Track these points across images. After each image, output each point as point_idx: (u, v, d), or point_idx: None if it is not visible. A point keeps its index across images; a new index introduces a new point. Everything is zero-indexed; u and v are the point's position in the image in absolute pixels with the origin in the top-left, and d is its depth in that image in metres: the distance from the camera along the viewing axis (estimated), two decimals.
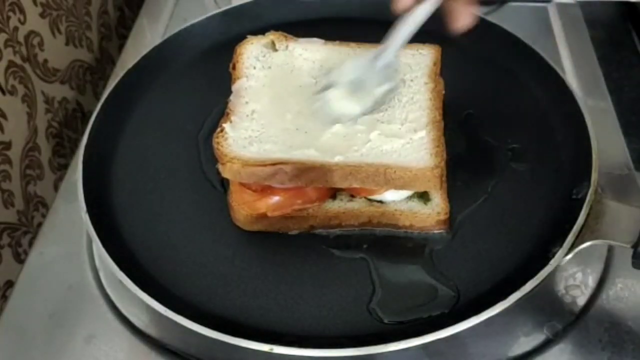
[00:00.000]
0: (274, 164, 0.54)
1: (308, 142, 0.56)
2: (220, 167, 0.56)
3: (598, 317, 0.55)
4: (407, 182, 0.55)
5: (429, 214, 0.57)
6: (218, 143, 0.56)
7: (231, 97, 0.60)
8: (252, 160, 0.54)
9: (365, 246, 0.57)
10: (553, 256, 0.51)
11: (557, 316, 0.55)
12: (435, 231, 0.57)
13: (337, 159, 0.55)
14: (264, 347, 0.48)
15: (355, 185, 0.55)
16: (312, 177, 0.55)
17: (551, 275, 0.54)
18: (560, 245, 0.52)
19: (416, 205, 0.58)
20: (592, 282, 0.57)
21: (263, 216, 0.57)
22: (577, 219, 0.53)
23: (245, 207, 0.57)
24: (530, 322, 0.54)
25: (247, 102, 0.60)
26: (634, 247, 0.50)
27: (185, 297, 0.54)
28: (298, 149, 0.56)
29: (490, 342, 0.53)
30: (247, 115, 0.59)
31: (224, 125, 0.57)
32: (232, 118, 0.58)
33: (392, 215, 0.57)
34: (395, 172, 0.54)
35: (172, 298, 0.53)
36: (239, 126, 0.57)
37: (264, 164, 0.54)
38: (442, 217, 0.57)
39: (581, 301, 0.56)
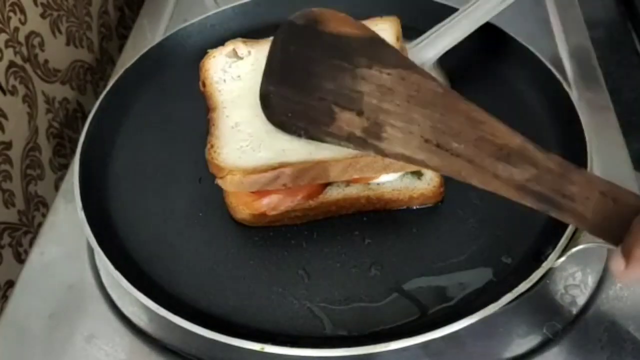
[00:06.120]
0: (274, 169, 0.53)
1: (300, 143, 0.56)
2: (219, 181, 0.55)
3: (598, 317, 0.54)
4: (404, 164, 0.54)
5: (425, 188, 0.59)
6: (212, 158, 0.55)
7: (211, 114, 0.59)
8: (251, 169, 0.54)
9: (365, 246, 0.57)
10: (545, 259, 0.52)
11: (556, 316, 0.54)
12: (431, 204, 0.59)
13: (333, 153, 0.54)
14: (255, 346, 0.48)
15: (355, 176, 0.55)
16: (312, 175, 0.55)
17: (550, 275, 0.55)
18: (553, 248, 0.52)
19: (410, 182, 0.59)
20: (591, 281, 0.57)
21: (262, 215, 0.57)
22: None
23: (245, 207, 0.57)
24: (529, 322, 0.54)
25: (227, 116, 0.58)
26: None
27: (180, 296, 0.54)
28: (292, 151, 0.55)
29: (490, 342, 0.53)
30: (232, 128, 0.57)
31: (212, 141, 0.56)
32: (218, 133, 0.57)
33: (390, 194, 0.58)
34: None
35: (167, 296, 0.53)
36: (228, 140, 0.56)
37: (264, 170, 0.54)
38: (437, 189, 0.58)
39: (581, 301, 0.55)
